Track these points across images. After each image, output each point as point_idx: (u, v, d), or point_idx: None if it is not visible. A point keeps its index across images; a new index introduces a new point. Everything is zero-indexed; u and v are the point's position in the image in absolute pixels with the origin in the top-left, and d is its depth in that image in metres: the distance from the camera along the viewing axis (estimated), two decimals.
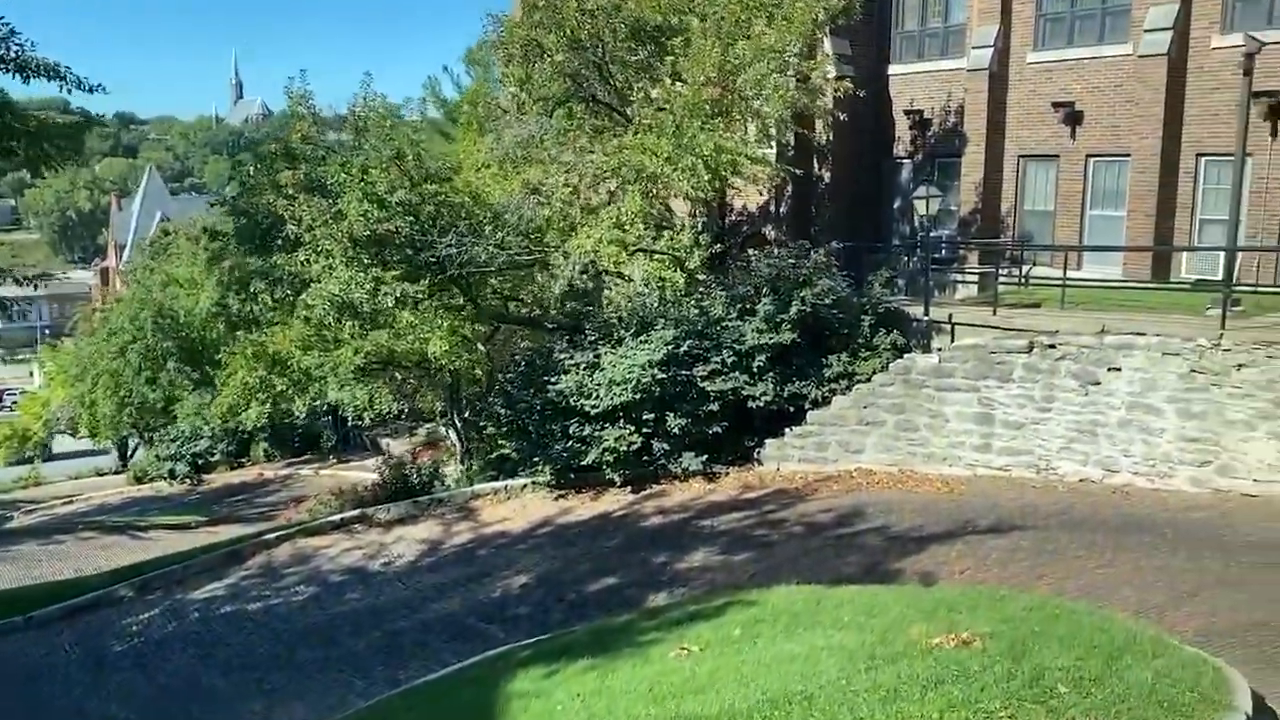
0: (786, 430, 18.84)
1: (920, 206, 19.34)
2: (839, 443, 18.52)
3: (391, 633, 13.66)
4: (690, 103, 17.96)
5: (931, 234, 26.97)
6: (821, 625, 8.87)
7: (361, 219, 17.20)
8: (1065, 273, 19.46)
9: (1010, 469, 17.09)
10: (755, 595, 10.94)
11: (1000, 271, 24.24)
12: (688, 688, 7.32)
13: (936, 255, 26.97)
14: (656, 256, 20.59)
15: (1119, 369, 15.89)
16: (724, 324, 18.78)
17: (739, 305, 19.09)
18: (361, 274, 17.38)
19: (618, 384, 17.94)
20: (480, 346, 25.35)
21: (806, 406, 18.76)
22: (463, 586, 15.00)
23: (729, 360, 18.40)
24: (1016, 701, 5.82)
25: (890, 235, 28.32)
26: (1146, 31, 21.29)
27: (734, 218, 30.26)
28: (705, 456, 18.42)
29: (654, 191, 18.28)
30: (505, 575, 15.23)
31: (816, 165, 27.73)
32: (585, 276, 21.41)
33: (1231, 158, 19.77)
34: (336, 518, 18.99)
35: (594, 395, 18.19)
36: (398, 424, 43.55)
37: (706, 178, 17.82)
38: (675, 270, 20.37)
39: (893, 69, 27.48)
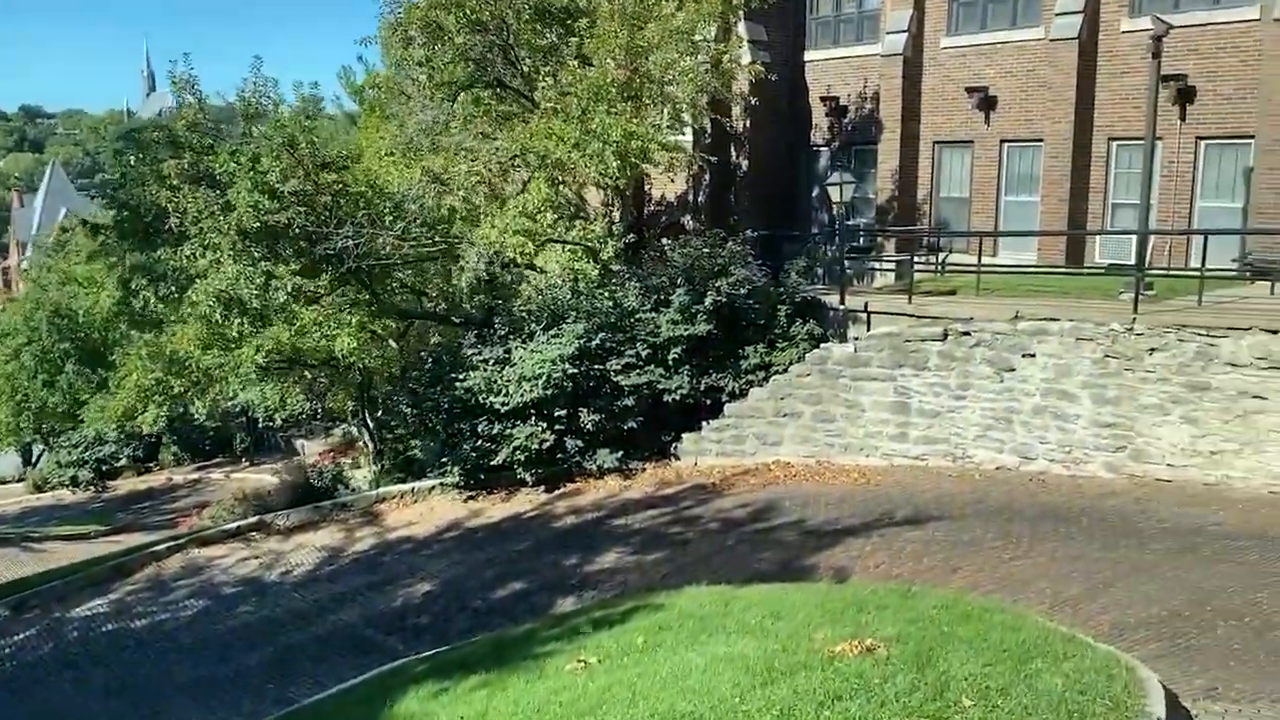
0: (703, 424, 18.42)
1: (834, 193, 19.05)
2: (756, 435, 18.16)
3: (285, 648, 12.90)
4: (596, 86, 17.35)
5: (849, 222, 26.95)
6: (726, 631, 8.40)
7: (251, 210, 16.28)
8: (980, 259, 19.38)
9: (927, 458, 16.88)
10: (663, 598, 10.46)
11: (917, 259, 24.18)
12: (575, 709, 6.78)
13: (855, 243, 26.87)
14: (569, 248, 19.97)
15: (1033, 355, 15.76)
16: (638, 316, 18.28)
17: (653, 297, 18.61)
18: (251, 268, 16.46)
19: (528, 380, 17.34)
20: (393, 344, 24.51)
21: (724, 399, 18.36)
22: (363, 596, 14.28)
23: (643, 353, 17.92)
24: (918, 718, 5.39)
25: (810, 224, 28.10)
26: (1057, 15, 21.31)
27: (652, 207, 29.77)
28: (621, 453, 17.93)
29: (562, 179, 17.65)
30: (408, 583, 14.55)
31: (734, 153, 27.40)
32: (499, 269, 20.75)
33: (1142, 141, 19.85)
34: (233, 526, 18.06)
35: (504, 392, 17.55)
36: (313, 425, 42.41)
37: (615, 164, 17.25)
38: (589, 261, 19.78)
39: (809, 55, 27.22)
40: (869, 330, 18.14)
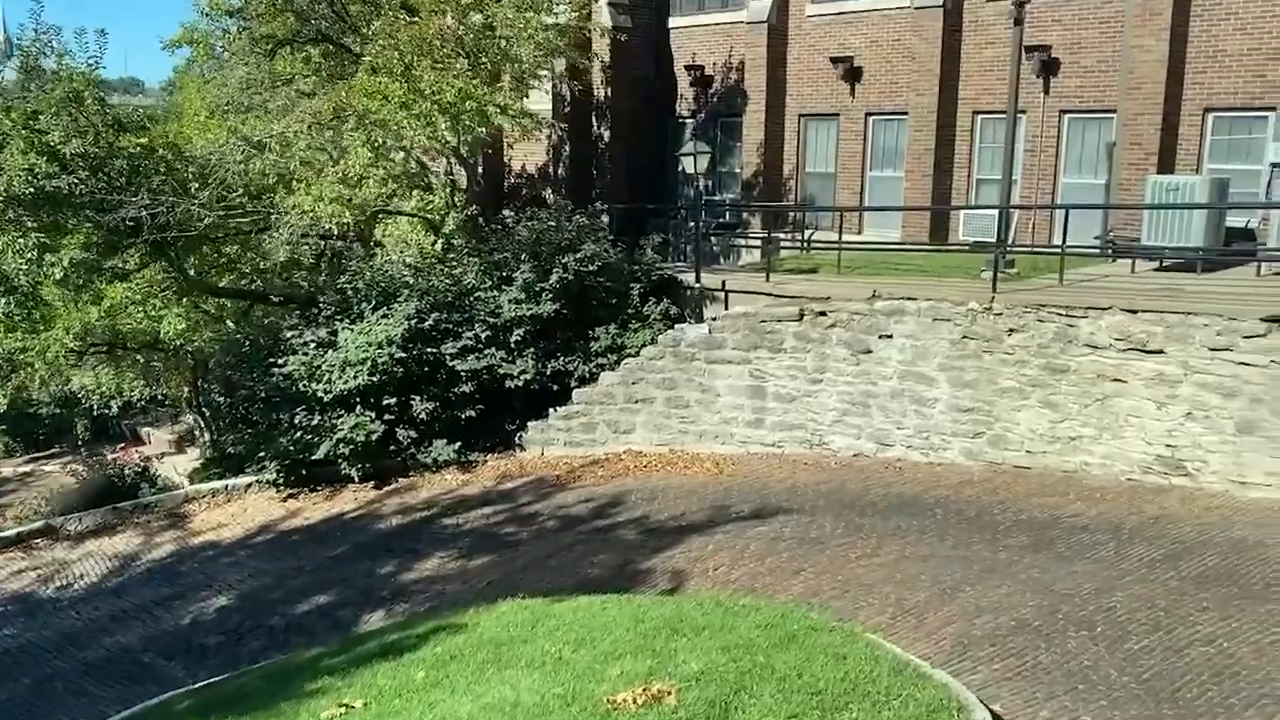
0: (550, 411, 17.21)
1: (688, 164, 18.03)
2: (607, 423, 17.04)
3: (44, 678, 11.18)
4: (419, 39, 15.80)
5: (715, 197, 26.14)
6: (518, 664, 7.24)
7: (24, 174, 14.27)
8: (841, 236, 18.59)
9: (783, 445, 16.05)
10: (469, 617, 9.26)
11: (784, 236, 23.45)
12: None
13: (721, 220, 26.02)
14: (412, 221, 18.43)
15: (890, 336, 15.04)
16: (478, 295, 16.92)
17: (496, 274, 17.25)
18: (21, 240, 14.47)
19: (353, 365, 15.86)
20: (230, 325, 22.59)
21: (572, 384, 17.19)
22: (148, 613, 12.62)
23: (483, 335, 16.59)
24: None
25: (677, 199, 27.07)
26: None
27: (513, 180, 28.37)
28: (459, 444, 16.59)
29: (401, 145, 16.07)
30: (203, 596, 12.94)
31: (596, 124, 26.17)
32: (335, 243, 19.09)
33: (1005, 115, 19.34)
34: (12, 532, 16.01)
35: (326, 379, 16.02)
36: (159, 412, 39.90)
37: (445, 127, 15.76)
38: (429, 235, 18.30)
39: (674, 21, 26.17)
40: (727, 310, 17.21)
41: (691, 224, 26.39)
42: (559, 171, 26.57)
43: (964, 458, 14.47)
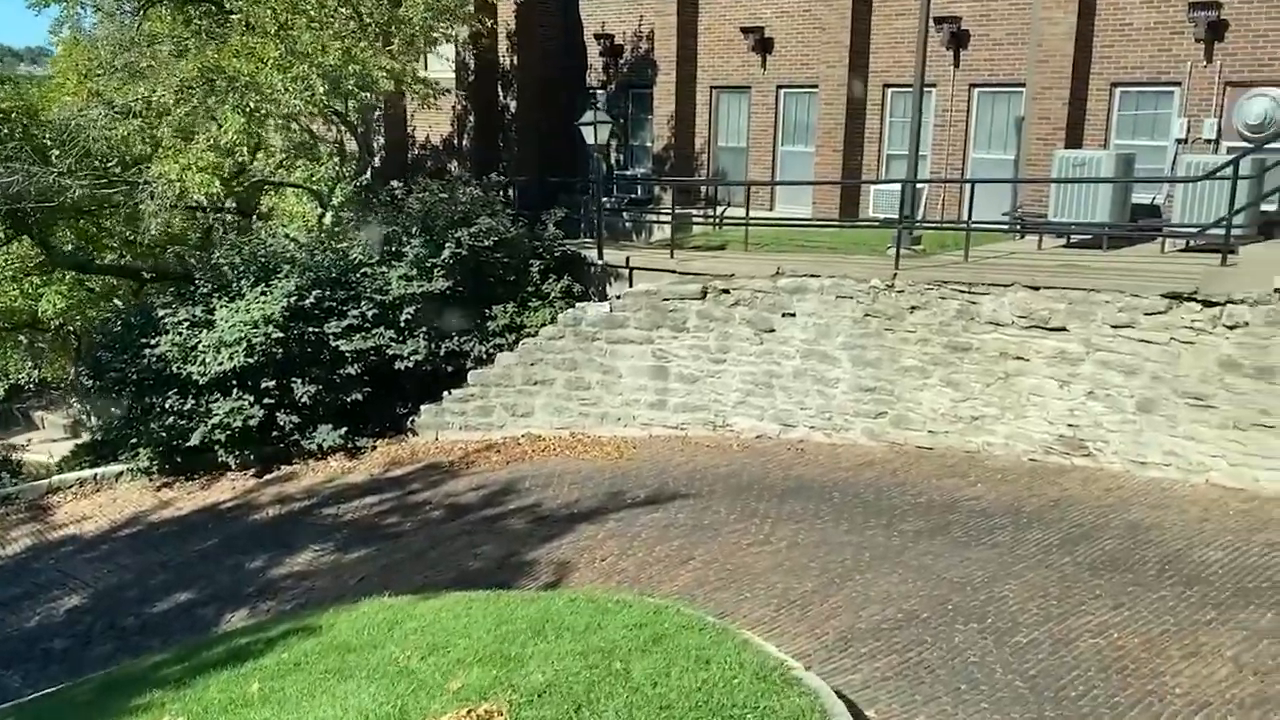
0: (445, 394, 16.50)
1: (588, 134, 17.32)
2: (505, 406, 16.39)
3: None
4: None
5: (627, 171, 25.53)
6: (360, 674, 6.61)
7: None
8: (748, 212, 18.15)
9: (687, 427, 15.59)
10: (327, 618, 8.59)
11: (696, 212, 22.95)
12: None
13: (633, 195, 25.41)
14: (294, 192, 17.48)
15: (793, 315, 14.64)
16: (365, 270, 16.09)
17: (385, 248, 16.44)
18: None
19: (228, 345, 14.95)
20: (119, 303, 21.37)
21: (468, 366, 16.49)
22: None
23: (370, 314, 15.79)
24: None
25: (588, 173, 26.38)
26: None
27: (417, 151, 27.38)
28: (345, 429, 15.80)
29: (261, 109, 15.13)
30: (55, 595, 12.08)
31: (503, 94, 25.31)
32: (223, 215, 18.03)
33: (923, 87, 19.03)
34: None
35: (201, 360, 15.08)
36: (53, 395, 38.15)
37: (323, 91, 14.86)
38: (316, 207, 17.37)
39: None
40: (632, 287, 16.65)
41: (604, 199, 25.90)
42: (464, 143, 25.68)
43: (867, 438, 14.15)
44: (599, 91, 25.51)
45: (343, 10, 15.56)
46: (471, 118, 25.04)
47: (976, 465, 12.74)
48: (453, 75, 24.25)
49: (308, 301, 15.41)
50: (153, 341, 15.49)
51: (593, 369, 15.98)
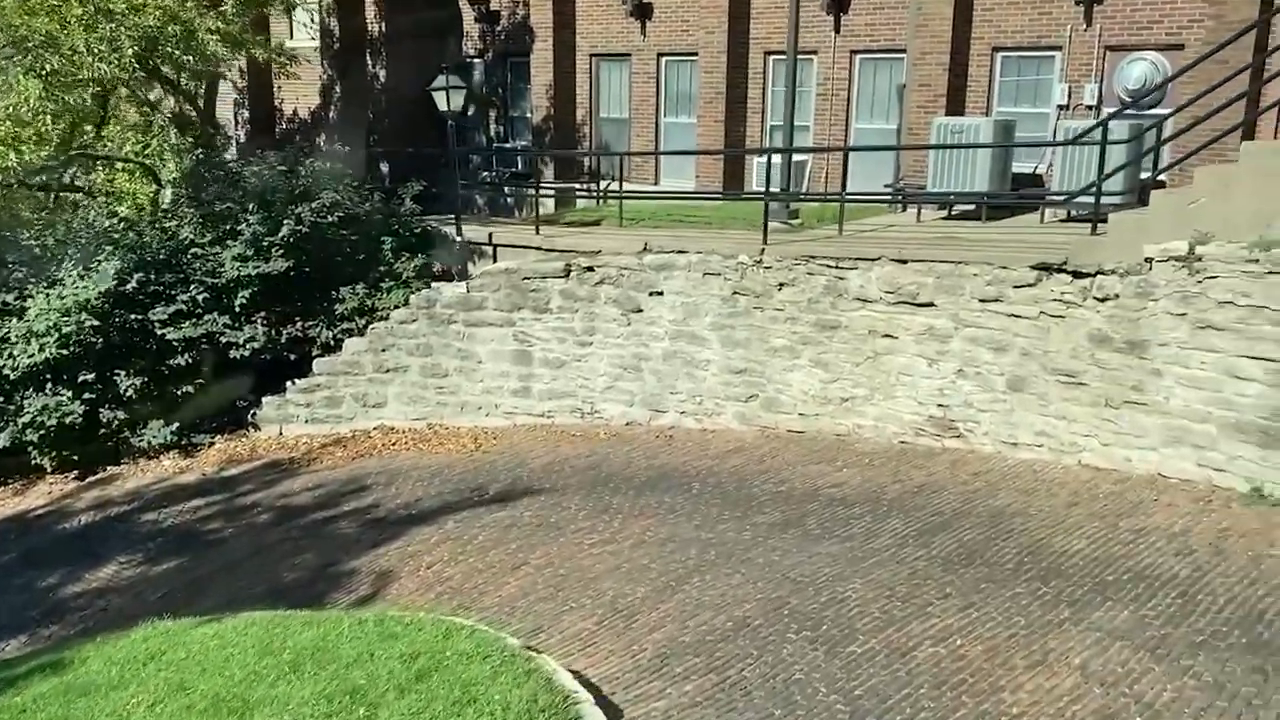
0: (289, 385, 15.36)
1: (440, 101, 16.28)
2: (355, 396, 15.34)
3: None
4: None
5: (507, 144, 24.50)
6: None
7: None
8: (622, 186, 17.35)
9: (553, 415, 14.74)
10: (89, 649, 7.63)
11: (580, 186, 22.06)
12: None
13: (513, 169, 24.42)
14: (124, 167, 16.10)
15: (661, 293, 13.87)
16: (195, 251, 14.84)
17: (220, 227, 15.20)
18: None
19: (39, 336, 13.60)
20: None
21: (314, 353, 15.38)
22: None
23: (201, 298, 14.57)
24: None
25: (468, 145, 25.30)
26: None
27: (285, 125, 25.93)
28: (177, 425, 14.58)
29: (64, 73, 13.72)
30: None
31: (372, 63, 24.02)
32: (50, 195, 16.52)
33: (802, 56, 18.40)
34: None
35: (8, 353, 13.70)
36: None
37: (132, 53, 13.54)
38: (150, 184, 16.03)
39: None
40: (496, 265, 15.70)
41: (485, 173, 24.85)
42: (331, 116, 24.35)
43: (738, 423, 13.47)
44: (476, 61, 24.43)
45: None
46: (338, 88, 23.75)
47: (845, 449, 12.14)
48: (318, 44, 22.91)
49: (130, 286, 14.13)
50: None
51: (450, 354, 15.02)
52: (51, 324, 13.46)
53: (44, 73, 13.40)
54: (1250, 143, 10.80)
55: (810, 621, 7.26)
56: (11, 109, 13.61)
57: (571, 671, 6.50)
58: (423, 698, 5.30)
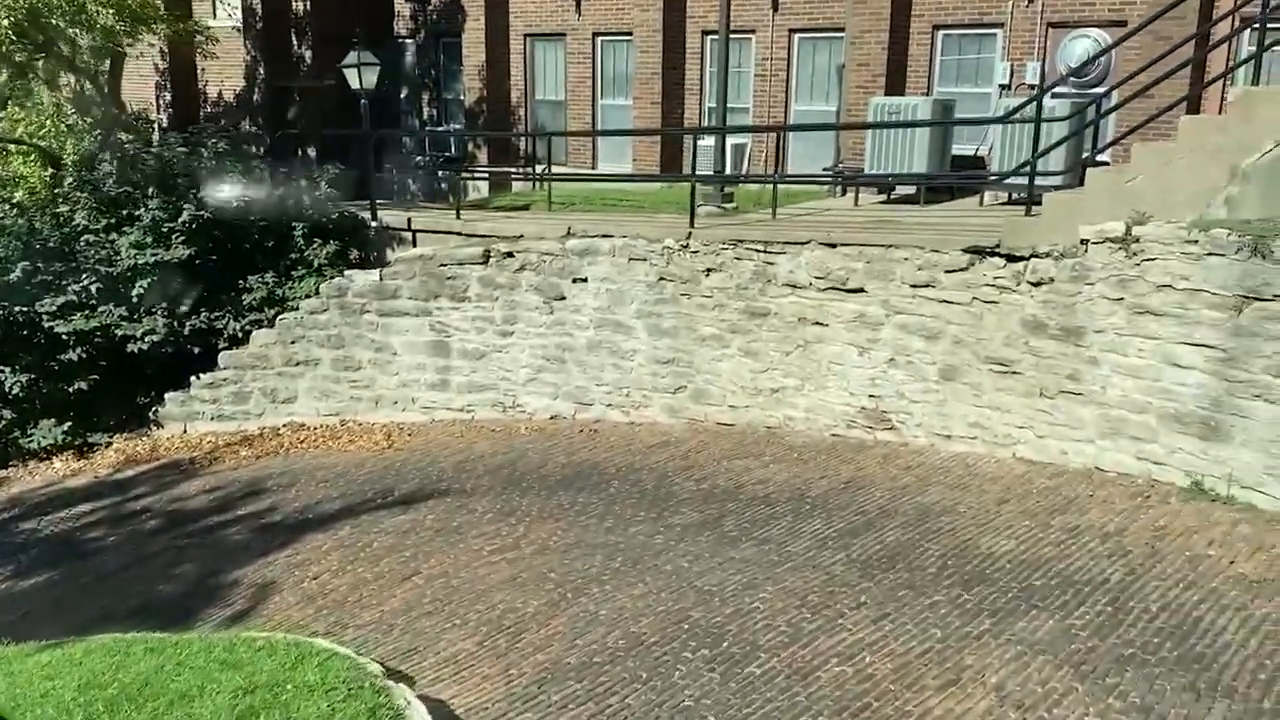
0: (193, 380, 14.51)
1: (351, 78, 15.46)
2: (264, 391, 14.53)
3: None
4: None
5: (440, 128, 23.70)
6: None
7: None
8: (550, 168, 16.64)
9: (474, 409, 14.04)
10: None
11: (515, 170, 21.34)
12: None
13: (446, 153, 23.63)
14: (15, 148, 15.15)
15: (585, 280, 13.20)
16: (88, 238, 13.94)
17: (117, 212, 14.31)
18: None
19: None
20: None
21: (220, 346, 14.52)
22: None
23: (95, 288, 13.68)
24: None
25: (400, 128, 24.47)
26: None
27: (209, 109, 24.92)
28: (69, 424, 13.71)
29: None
30: None
31: (297, 43, 23.10)
32: None
33: (740, 35, 17.83)
34: None
35: None
36: None
37: (8, 22, 12.62)
38: (44, 168, 15.10)
39: None
40: (413, 251, 14.94)
41: (418, 158, 24.02)
42: (255, 98, 23.39)
43: (666, 415, 12.85)
44: (408, 41, 23.60)
45: None
46: (262, 69, 22.80)
47: (775, 442, 11.55)
48: (239, 23, 21.96)
49: (14, 276, 13.22)
50: None
51: (363, 346, 14.26)
52: None
53: None
54: (1189, 117, 10.29)
55: (711, 638, 6.63)
56: None
57: (435, 701, 5.86)
58: None
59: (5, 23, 12.66)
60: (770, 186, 15.94)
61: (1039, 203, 10.90)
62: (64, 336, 13.35)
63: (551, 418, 13.58)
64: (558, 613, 7.33)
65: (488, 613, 7.49)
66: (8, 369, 13.21)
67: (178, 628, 7.82)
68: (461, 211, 15.32)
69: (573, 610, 7.34)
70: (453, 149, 23.49)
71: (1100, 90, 13.69)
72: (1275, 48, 10.77)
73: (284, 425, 14.28)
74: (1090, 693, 5.65)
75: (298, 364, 14.42)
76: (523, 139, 21.56)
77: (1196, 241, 8.90)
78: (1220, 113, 12.79)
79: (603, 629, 6.94)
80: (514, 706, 5.90)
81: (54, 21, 13.15)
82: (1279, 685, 5.64)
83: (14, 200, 14.68)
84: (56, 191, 14.41)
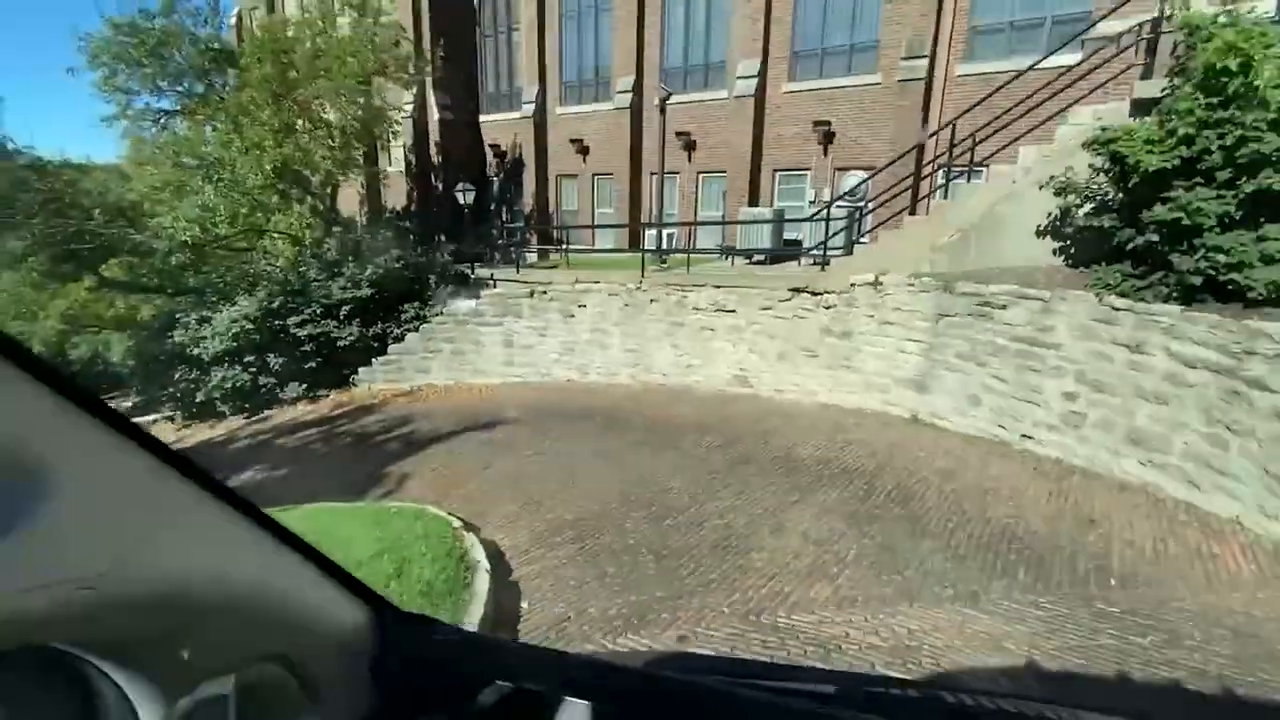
0: (374, 360, 13.84)
1: (459, 198, 14.81)
2: (413, 366, 13.87)
3: None
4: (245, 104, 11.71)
5: (512, 225, 22.84)
6: None
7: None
8: (568, 246, 15.98)
9: (526, 376, 13.44)
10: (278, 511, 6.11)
11: (553, 248, 20.62)
12: None
13: (514, 239, 22.82)
14: (279, 235, 14.32)
15: (585, 306, 12.63)
16: (316, 284, 13.22)
17: (331, 270, 13.58)
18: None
19: (220, 334, 11.92)
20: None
21: (390, 342, 13.85)
22: None
23: (319, 311, 12.95)
24: None
25: (491, 227, 23.62)
26: (618, 92, 18.08)
27: (388, 215, 23.92)
28: (306, 385, 13.01)
29: (224, 180, 12.11)
30: None
31: (434, 178, 22.19)
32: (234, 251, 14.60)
33: (671, 174, 17.17)
34: None
35: (204, 345, 12.04)
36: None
37: (270, 168, 11.87)
38: (294, 246, 14.28)
39: (483, 117, 22.37)
40: (491, 291, 14.32)
41: (500, 241, 23.20)
42: (413, 209, 22.50)
43: (629, 380, 12.34)
44: (494, 179, 22.73)
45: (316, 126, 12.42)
46: (416, 192, 21.92)
47: (688, 394, 11.09)
48: (403, 169, 21.08)
49: (276, 304, 12.50)
50: (171, 333, 12.34)
51: (467, 342, 13.65)
52: (226, 328, 11.81)
53: (215, 180, 11.70)
54: (910, 217, 9.91)
55: (646, 504, 6.22)
56: (204, 204, 11.86)
57: (490, 542, 5.40)
58: (424, 540, 4.14)
59: (269, 168, 11.93)
60: (687, 256, 15.54)
61: (829, 264, 10.51)
62: (302, 337, 12.64)
63: (568, 381, 13.03)
64: (564, 491, 6.88)
65: (525, 491, 7.02)
66: (272, 355, 12.49)
67: (353, 499, 7.31)
68: (520, 270, 14.70)
69: (573, 490, 6.89)
70: (519, 236, 22.74)
71: (863, 204, 13.27)
72: (954, 180, 10.38)
73: (424, 385, 13.65)
74: (855, 535, 5.30)
75: (431, 352, 13.80)
76: (555, 230, 20.86)
77: (914, 285, 8.53)
78: (927, 215, 12.43)
79: (587, 500, 6.50)
80: (534, 544, 5.47)
81: (294, 166, 12.41)
82: (958, 531, 5.30)
83: (277, 264, 13.85)
84: (298, 259, 13.61)
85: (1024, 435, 7.42)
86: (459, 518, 5.96)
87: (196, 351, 12.20)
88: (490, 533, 5.85)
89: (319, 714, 0.90)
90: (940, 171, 11.52)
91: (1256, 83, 4.84)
